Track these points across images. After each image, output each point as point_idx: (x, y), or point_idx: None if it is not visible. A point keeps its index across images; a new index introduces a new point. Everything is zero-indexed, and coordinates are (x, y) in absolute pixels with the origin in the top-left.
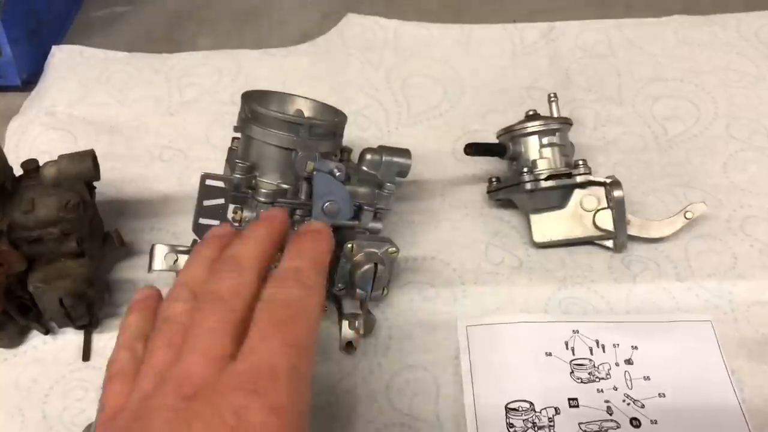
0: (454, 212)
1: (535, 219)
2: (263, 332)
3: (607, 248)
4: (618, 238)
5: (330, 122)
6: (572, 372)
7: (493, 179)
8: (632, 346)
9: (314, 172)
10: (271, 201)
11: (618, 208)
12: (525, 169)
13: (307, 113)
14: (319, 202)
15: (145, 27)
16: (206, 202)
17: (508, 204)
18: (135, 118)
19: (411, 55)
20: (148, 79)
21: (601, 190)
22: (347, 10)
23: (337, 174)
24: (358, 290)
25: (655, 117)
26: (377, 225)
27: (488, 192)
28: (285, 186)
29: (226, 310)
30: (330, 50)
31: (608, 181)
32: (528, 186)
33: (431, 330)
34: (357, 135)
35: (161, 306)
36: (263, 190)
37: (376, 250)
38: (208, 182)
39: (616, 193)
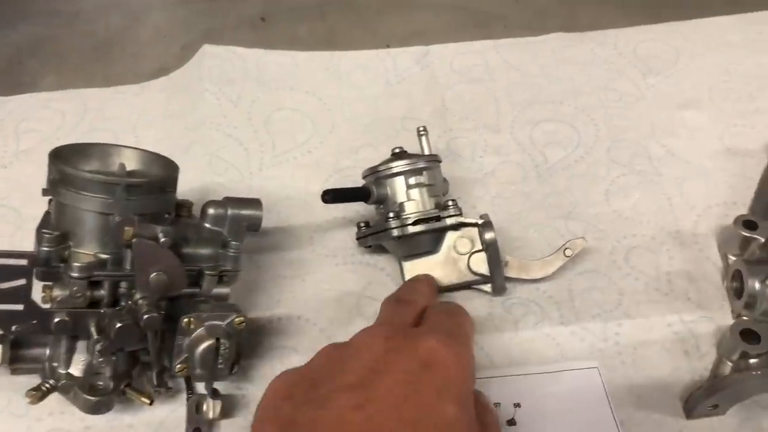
0: (324, 262)
1: (408, 266)
2: (439, 315)
3: (487, 292)
4: (495, 282)
5: (153, 178)
6: None
7: (362, 224)
8: (514, 404)
9: (134, 240)
10: (86, 276)
11: (491, 250)
12: (391, 214)
13: (131, 165)
14: (142, 275)
15: None
16: (1, 285)
17: (382, 248)
18: None
19: (275, 87)
20: None
21: (474, 231)
22: (208, 40)
23: (162, 240)
24: (198, 371)
25: (534, 144)
26: (223, 290)
27: (357, 239)
28: (104, 256)
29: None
30: (186, 85)
31: (480, 222)
32: (395, 233)
33: None
34: (212, 180)
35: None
36: (76, 264)
37: (220, 322)
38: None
39: (488, 236)
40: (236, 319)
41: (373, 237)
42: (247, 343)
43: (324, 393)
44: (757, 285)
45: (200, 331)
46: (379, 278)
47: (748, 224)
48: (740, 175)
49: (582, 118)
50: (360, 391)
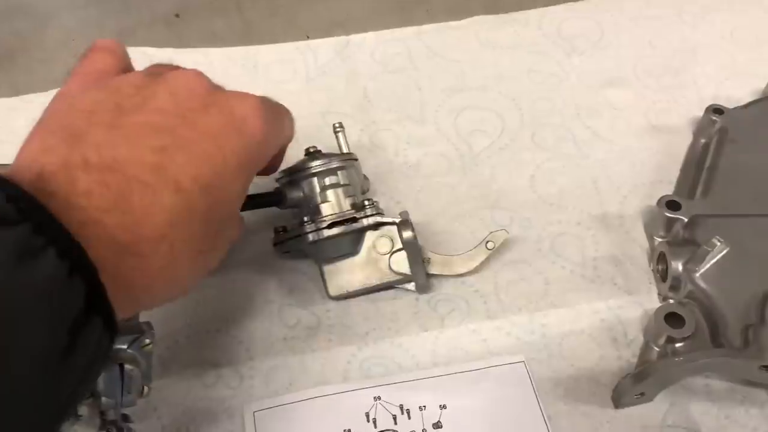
0: (243, 269)
1: (329, 270)
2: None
3: (412, 291)
4: (417, 280)
5: None
6: None
7: (280, 229)
8: (440, 406)
9: None
10: None
11: (410, 249)
12: (306, 218)
13: None
14: None
15: None
16: None
17: (303, 253)
18: None
19: None
20: None
21: (394, 230)
22: (121, 40)
23: None
24: (103, 399)
25: (459, 133)
26: None
27: (274, 245)
28: None
29: None
30: None
31: (398, 221)
32: (310, 237)
33: (213, 422)
34: None
35: None
36: None
37: (122, 346)
38: None
39: (405, 235)
40: (144, 341)
41: (291, 242)
42: (161, 361)
43: (128, 123)
44: (680, 267)
45: None
46: (301, 283)
47: (672, 204)
48: (666, 152)
49: (506, 104)
50: (164, 134)
